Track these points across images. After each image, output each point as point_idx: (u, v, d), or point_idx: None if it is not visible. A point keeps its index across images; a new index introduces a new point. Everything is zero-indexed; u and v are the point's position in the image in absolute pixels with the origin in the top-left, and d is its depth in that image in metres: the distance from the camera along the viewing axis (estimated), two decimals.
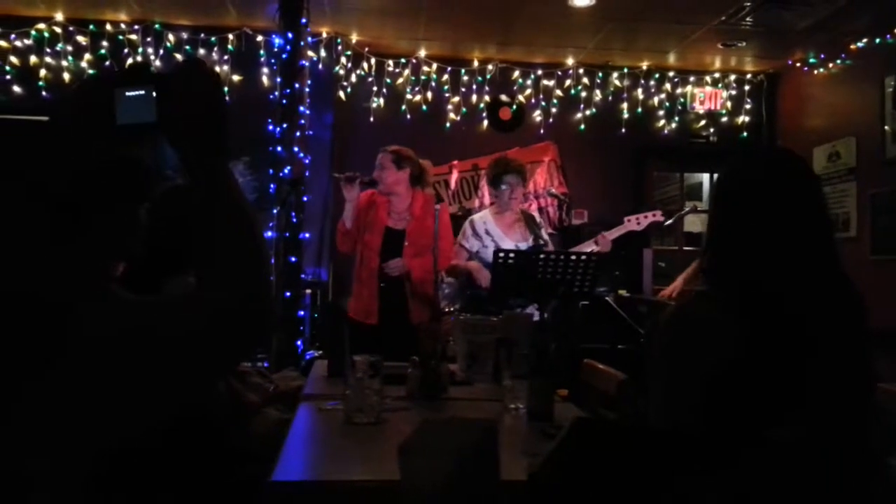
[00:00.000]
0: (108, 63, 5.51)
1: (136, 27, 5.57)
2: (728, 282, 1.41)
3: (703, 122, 6.47)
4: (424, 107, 6.05)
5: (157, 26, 5.58)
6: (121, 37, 5.56)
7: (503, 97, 6.21)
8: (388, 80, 6.01)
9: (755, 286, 1.36)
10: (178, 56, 5.59)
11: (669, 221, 4.61)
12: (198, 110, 0.99)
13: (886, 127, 4.97)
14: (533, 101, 6.22)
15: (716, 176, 6.32)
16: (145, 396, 0.94)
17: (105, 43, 5.53)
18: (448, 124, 6.12)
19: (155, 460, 1.10)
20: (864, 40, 5.22)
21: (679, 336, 1.40)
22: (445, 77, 6.08)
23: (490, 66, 6.13)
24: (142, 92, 1.00)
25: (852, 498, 1.30)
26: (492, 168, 3.98)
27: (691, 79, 6.39)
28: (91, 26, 5.52)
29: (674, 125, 6.39)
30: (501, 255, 3.37)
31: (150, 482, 1.19)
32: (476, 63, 6.12)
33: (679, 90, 6.38)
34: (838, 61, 5.56)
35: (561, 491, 0.85)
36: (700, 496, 0.86)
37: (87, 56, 5.53)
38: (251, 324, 0.98)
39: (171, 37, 5.60)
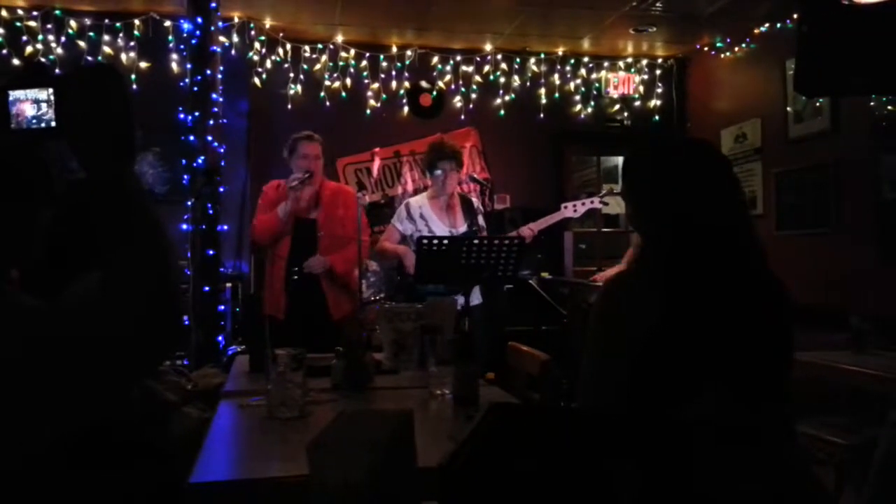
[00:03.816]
0: (4, 52, 5.20)
1: (35, 13, 5.27)
2: (653, 257, 1.45)
3: (617, 107, 6.62)
4: (344, 93, 5.97)
5: (57, 12, 5.28)
6: (18, 23, 5.24)
7: (423, 83, 6.19)
8: (305, 67, 5.90)
9: (677, 262, 1.40)
10: (81, 43, 5.33)
11: (606, 206, 4.67)
12: (100, 116, 0.95)
13: (789, 108, 5.21)
14: (453, 86, 6.22)
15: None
16: (45, 409, 0.89)
17: (1, 30, 5.21)
18: (368, 111, 6.06)
19: (63, 468, 1.05)
20: (767, 25, 5.44)
21: (608, 305, 1.45)
22: (364, 63, 6.01)
23: (409, 52, 6.09)
24: (40, 95, 0.95)
25: (768, 468, 1.35)
26: (427, 153, 3.97)
27: (605, 64, 6.52)
28: None
29: (590, 110, 6.52)
30: (425, 241, 3.37)
31: (60, 489, 1.14)
32: (395, 49, 6.08)
33: (594, 75, 6.50)
34: (743, 45, 5.78)
35: (475, 479, 0.85)
36: (616, 478, 0.88)
37: None
38: (156, 332, 0.94)
39: (73, 23, 5.32)
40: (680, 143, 1.61)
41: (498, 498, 0.84)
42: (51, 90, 0.96)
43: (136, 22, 5.39)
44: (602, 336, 1.43)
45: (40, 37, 5.26)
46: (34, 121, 0.97)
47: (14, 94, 0.96)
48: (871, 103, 4.49)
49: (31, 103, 0.97)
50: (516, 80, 6.31)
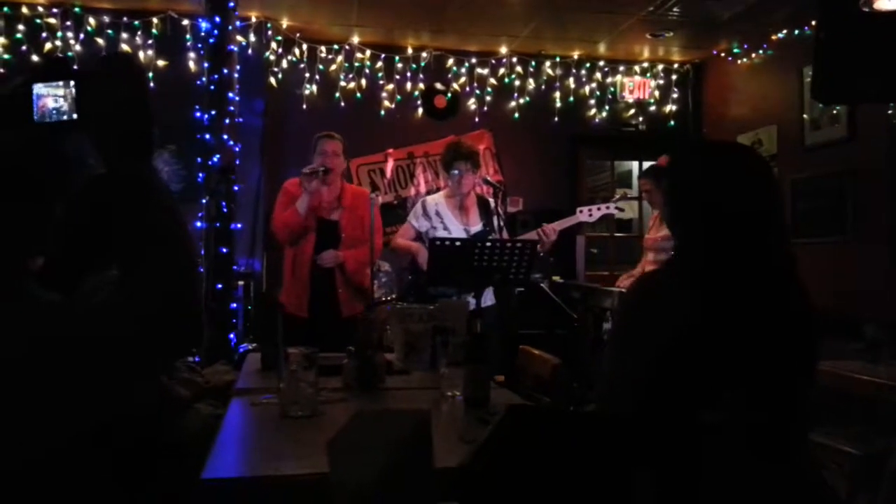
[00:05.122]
0: (24, 48, 5.25)
1: (55, 10, 5.32)
2: (689, 259, 1.45)
3: (632, 111, 6.60)
4: (358, 94, 5.99)
5: (77, 9, 5.33)
6: (38, 20, 5.30)
7: (438, 85, 6.19)
8: (321, 67, 5.92)
9: (713, 264, 1.40)
10: (100, 41, 5.37)
11: (621, 213, 4.65)
12: (121, 109, 0.95)
13: (805, 115, 5.17)
14: (467, 89, 6.23)
15: (646, 163, 6.47)
16: (63, 405, 0.90)
17: (21, 26, 5.26)
18: (383, 112, 6.07)
19: (74, 464, 1.06)
20: (784, 31, 5.40)
21: (635, 304, 1.44)
22: (379, 64, 6.03)
23: (424, 54, 6.10)
24: (62, 88, 0.96)
25: (782, 476, 1.35)
26: (444, 153, 3.98)
27: (621, 68, 6.50)
28: (5, 8, 5.24)
29: (604, 114, 6.50)
30: (438, 241, 3.37)
31: (70, 485, 1.15)
32: (410, 50, 6.09)
33: (609, 79, 6.49)
34: (760, 52, 5.75)
35: (494, 480, 0.85)
36: (634, 480, 0.87)
37: (2, 40, 5.25)
38: (177, 327, 0.95)
39: (91, 20, 5.37)
40: (727, 145, 1.60)
41: (517, 499, 0.84)
42: (72, 83, 0.97)
43: (155, 20, 5.44)
44: (627, 335, 1.43)
45: (59, 33, 5.31)
46: (55, 112, 0.97)
47: (36, 88, 0.97)
48: (889, 111, 4.45)
49: (55, 97, 0.97)
50: (531, 84, 6.31)
